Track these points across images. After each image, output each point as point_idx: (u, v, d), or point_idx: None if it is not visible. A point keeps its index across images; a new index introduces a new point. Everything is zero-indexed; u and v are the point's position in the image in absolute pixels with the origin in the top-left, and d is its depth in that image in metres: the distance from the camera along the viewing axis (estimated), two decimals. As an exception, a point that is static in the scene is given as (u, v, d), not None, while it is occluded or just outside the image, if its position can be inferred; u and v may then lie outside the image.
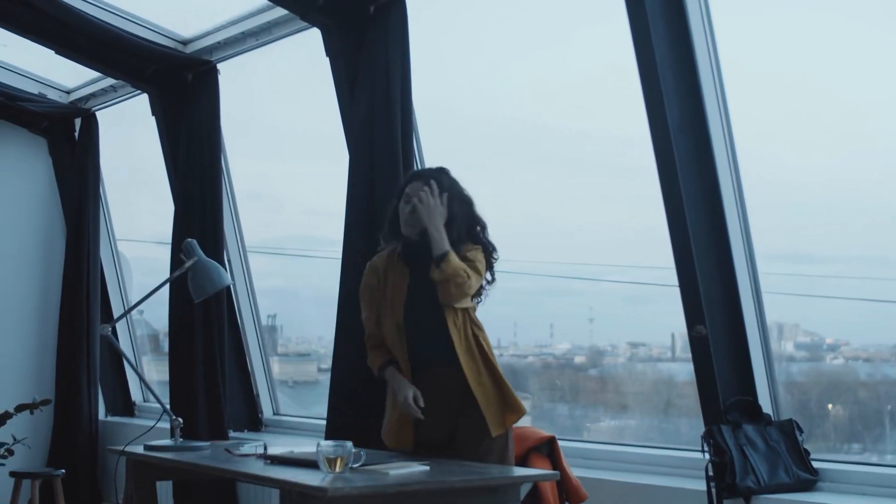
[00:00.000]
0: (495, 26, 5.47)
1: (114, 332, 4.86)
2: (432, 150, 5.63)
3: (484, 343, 4.28)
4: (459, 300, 4.18)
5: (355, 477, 3.59)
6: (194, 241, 4.88)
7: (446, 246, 4.15)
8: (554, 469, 4.40)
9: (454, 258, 4.14)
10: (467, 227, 4.29)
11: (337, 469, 3.61)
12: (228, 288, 6.57)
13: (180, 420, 4.69)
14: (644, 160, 4.48)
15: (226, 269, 5.39)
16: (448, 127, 5.82)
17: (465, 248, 4.23)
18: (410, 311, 4.29)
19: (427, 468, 3.82)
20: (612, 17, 4.51)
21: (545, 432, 4.57)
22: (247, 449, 4.37)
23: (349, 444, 3.66)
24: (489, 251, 4.31)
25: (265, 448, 4.34)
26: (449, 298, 4.17)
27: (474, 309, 4.31)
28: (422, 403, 4.22)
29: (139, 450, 4.54)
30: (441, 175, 4.31)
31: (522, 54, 5.43)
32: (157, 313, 8.12)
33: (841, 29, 4.26)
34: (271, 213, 7.58)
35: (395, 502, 3.59)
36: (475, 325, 4.28)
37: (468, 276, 4.14)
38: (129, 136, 8.37)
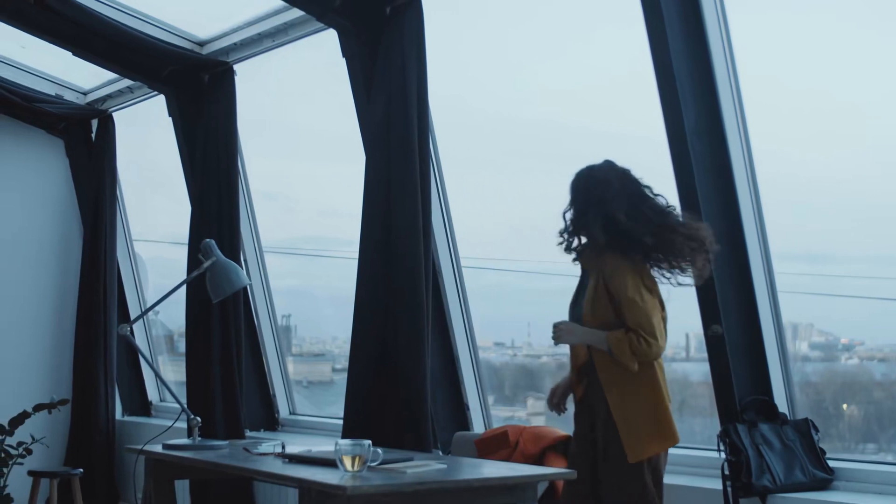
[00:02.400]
0: (511, 26, 5.49)
1: (131, 332, 4.87)
2: (448, 149, 5.66)
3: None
4: (640, 358, 3.93)
5: (373, 475, 3.62)
6: (213, 242, 4.89)
7: (600, 336, 3.99)
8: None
9: (612, 339, 3.94)
10: (602, 220, 4.01)
11: (355, 467, 3.64)
12: (245, 288, 6.59)
13: (198, 419, 4.71)
14: (661, 161, 4.50)
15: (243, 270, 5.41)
16: (464, 126, 5.84)
17: (609, 266, 4.02)
18: (572, 312, 4.20)
19: (444, 466, 3.85)
20: (629, 18, 4.52)
21: (561, 431, 4.59)
22: (265, 448, 4.40)
23: (367, 442, 3.68)
24: (632, 244, 3.98)
25: (283, 447, 4.37)
26: (631, 365, 3.94)
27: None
28: (556, 400, 4.18)
29: (158, 449, 4.58)
30: (577, 177, 4.13)
31: (539, 54, 5.44)
32: (171, 313, 8.16)
33: (858, 27, 4.26)
34: (285, 213, 7.61)
35: (412, 500, 3.61)
36: (645, 340, 3.95)
37: (634, 340, 3.91)
38: (146, 137, 8.41)
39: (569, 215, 4.10)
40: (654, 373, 3.99)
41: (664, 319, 4.05)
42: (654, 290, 4.02)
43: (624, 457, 3.95)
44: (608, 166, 4.12)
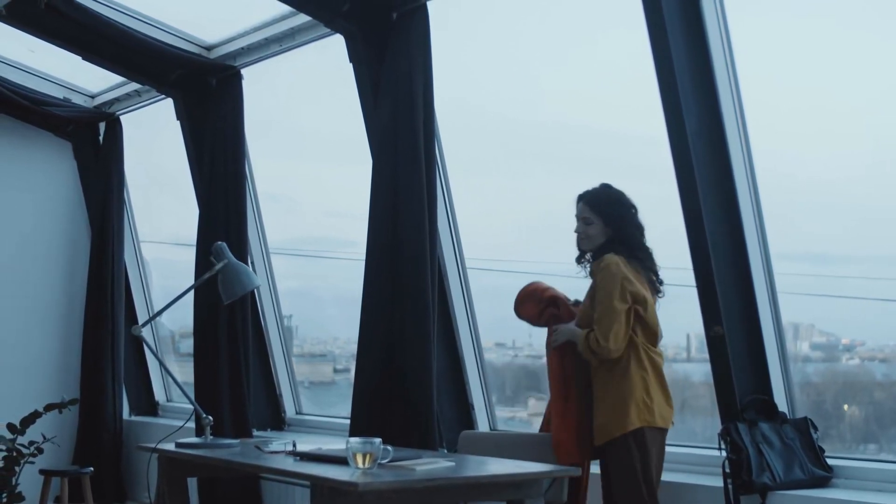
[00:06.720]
0: (517, 29, 5.52)
1: (137, 333, 4.91)
2: (454, 152, 5.71)
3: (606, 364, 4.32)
4: (592, 354, 4.28)
5: (384, 472, 3.68)
6: (224, 244, 4.93)
7: (577, 334, 4.35)
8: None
9: (580, 335, 4.31)
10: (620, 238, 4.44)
11: (366, 465, 3.70)
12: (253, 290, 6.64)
13: (210, 418, 4.77)
14: (662, 161, 4.54)
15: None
16: (469, 128, 5.88)
17: (605, 271, 4.34)
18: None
19: (453, 464, 3.91)
20: (631, 21, 4.56)
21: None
22: (276, 446, 4.46)
23: (378, 440, 3.75)
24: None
25: (294, 445, 4.43)
26: (590, 359, 4.33)
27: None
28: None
29: (170, 447, 4.64)
30: (595, 193, 4.47)
31: (542, 56, 5.48)
32: (173, 314, 8.19)
33: (857, 27, 4.29)
34: (289, 215, 7.64)
35: (422, 496, 3.68)
36: (595, 339, 4.26)
37: (592, 338, 4.25)
38: (152, 140, 8.45)
39: (600, 229, 4.42)
40: (626, 366, 4.27)
41: (644, 328, 4.35)
42: (637, 298, 4.31)
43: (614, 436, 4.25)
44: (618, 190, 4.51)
